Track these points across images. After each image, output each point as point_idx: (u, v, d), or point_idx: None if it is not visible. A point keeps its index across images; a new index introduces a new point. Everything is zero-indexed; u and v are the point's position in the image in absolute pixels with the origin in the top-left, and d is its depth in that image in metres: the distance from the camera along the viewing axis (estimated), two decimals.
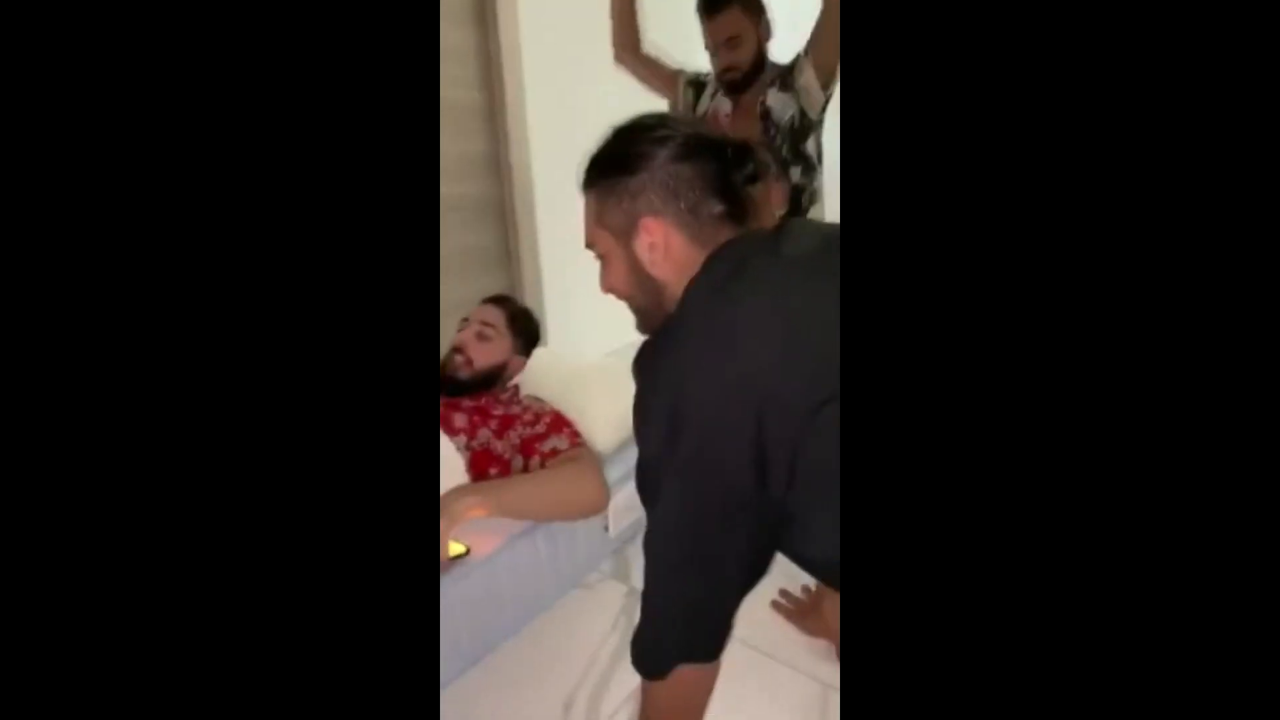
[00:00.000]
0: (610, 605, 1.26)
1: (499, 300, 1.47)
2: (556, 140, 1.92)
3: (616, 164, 0.71)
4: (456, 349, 1.39)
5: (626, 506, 1.38)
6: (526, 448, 1.26)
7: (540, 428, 1.28)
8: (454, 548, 1.11)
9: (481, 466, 1.24)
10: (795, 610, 1.17)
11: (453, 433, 1.25)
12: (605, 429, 1.37)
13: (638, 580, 1.31)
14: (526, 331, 1.45)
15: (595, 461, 1.25)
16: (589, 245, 0.76)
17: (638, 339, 0.72)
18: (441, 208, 1.77)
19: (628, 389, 1.47)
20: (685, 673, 0.67)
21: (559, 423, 1.30)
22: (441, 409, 1.31)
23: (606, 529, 1.34)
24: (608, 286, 0.77)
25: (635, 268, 0.72)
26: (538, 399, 1.39)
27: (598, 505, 1.20)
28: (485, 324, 1.39)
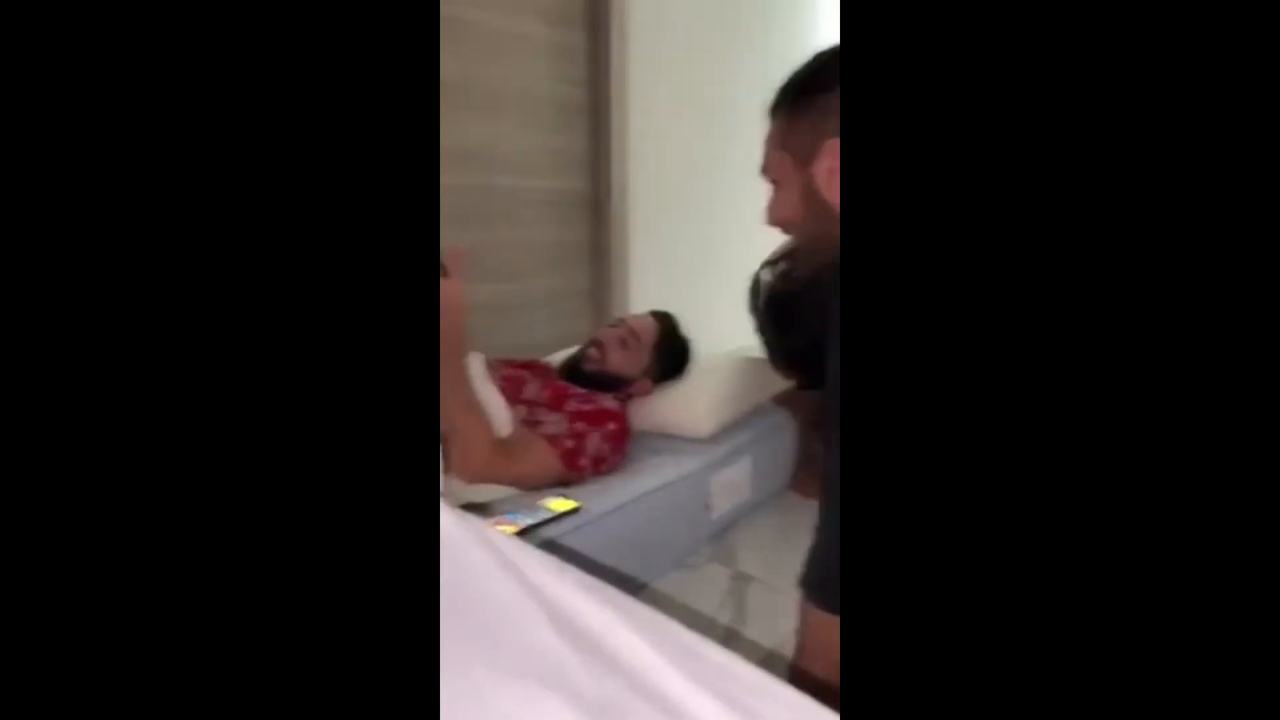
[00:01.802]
0: (714, 588, 1.20)
1: (660, 317, 1.44)
2: (655, 140, 1.96)
3: (808, 84, 0.70)
4: (595, 343, 1.38)
5: (730, 488, 1.34)
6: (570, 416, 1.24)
7: (590, 406, 1.26)
8: (565, 504, 1.09)
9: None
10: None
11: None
12: (708, 416, 1.38)
13: (743, 564, 1.26)
14: (668, 360, 1.41)
15: (536, 447, 1.17)
16: (764, 171, 0.75)
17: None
18: (538, 201, 1.80)
19: (730, 380, 1.47)
20: None
21: (604, 418, 1.25)
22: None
23: (708, 509, 1.29)
24: (776, 216, 0.74)
25: (811, 194, 0.69)
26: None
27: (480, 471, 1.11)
28: (634, 333, 1.37)
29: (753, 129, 0.77)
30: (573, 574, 0.41)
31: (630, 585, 1.14)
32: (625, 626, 0.36)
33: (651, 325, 1.41)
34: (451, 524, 0.45)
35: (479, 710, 0.33)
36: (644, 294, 1.98)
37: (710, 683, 0.33)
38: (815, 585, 0.67)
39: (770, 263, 1.48)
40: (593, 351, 1.37)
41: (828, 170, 0.67)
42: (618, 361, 1.36)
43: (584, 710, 0.31)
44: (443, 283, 1.02)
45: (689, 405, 1.38)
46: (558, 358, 1.52)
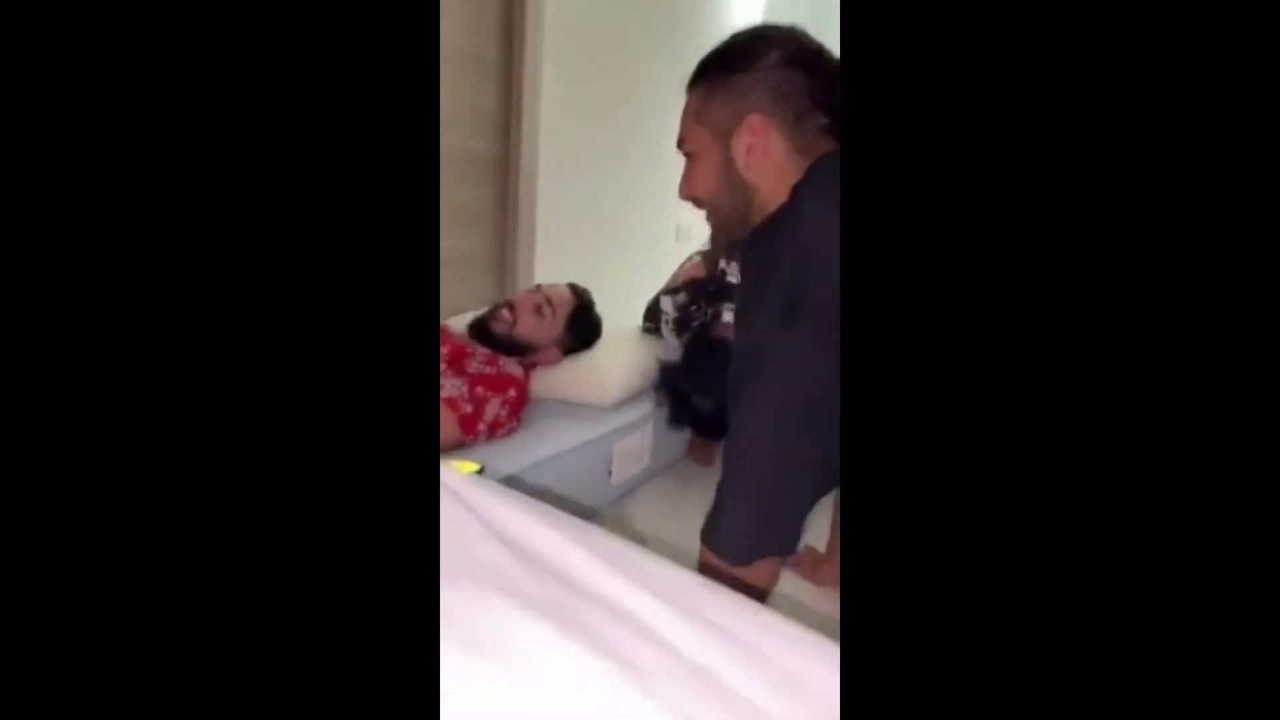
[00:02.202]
0: None
1: (577, 292, 1.43)
2: (567, 102, 1.93)
3: (729, 60, 0.70)
4: (509, 304, 1.35)
5: (631, 456, 1.36)
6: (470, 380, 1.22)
7: (492, 370, 1.26)
8: (467, 465, 1.07)
9: None
10: (806, 565, 1.18)
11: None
12: (614, 386, 1.41)
13: (641, 527, 1.29)
14: (579, 334, 1.41)
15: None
16: (680, 144, 0.75)
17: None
18: (445, 159, 1.73)
19: (632, 352, 1.49)
20: (765, 563, 0.72)
21: (506, 383, 1.24)
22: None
23: (610, 475, 1.31)
24: (691, 189, 0.75)
25: (728, 169, 0.70)
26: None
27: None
28: (550, 302, 1.36)
29: (666, 99, 0.76)
30: (515, 497, 0.40)
31: None
32: (567, 541, 0.36)
33: (568, 297, 1.41)
34: None
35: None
36: (549, 261, 1.96)
37: (647, 584, 0.34)
38: (713, 534, 0.71)
39: (670, 291, 1.52)
40: (505, 313, 1.35)
41: (745, 147, 0.68)
42: (529, 327, 1.35)
43: (532, 607, 0.31)
44: None
45: (594, 375, 1.39)
46: (457, 321, 1.48)
